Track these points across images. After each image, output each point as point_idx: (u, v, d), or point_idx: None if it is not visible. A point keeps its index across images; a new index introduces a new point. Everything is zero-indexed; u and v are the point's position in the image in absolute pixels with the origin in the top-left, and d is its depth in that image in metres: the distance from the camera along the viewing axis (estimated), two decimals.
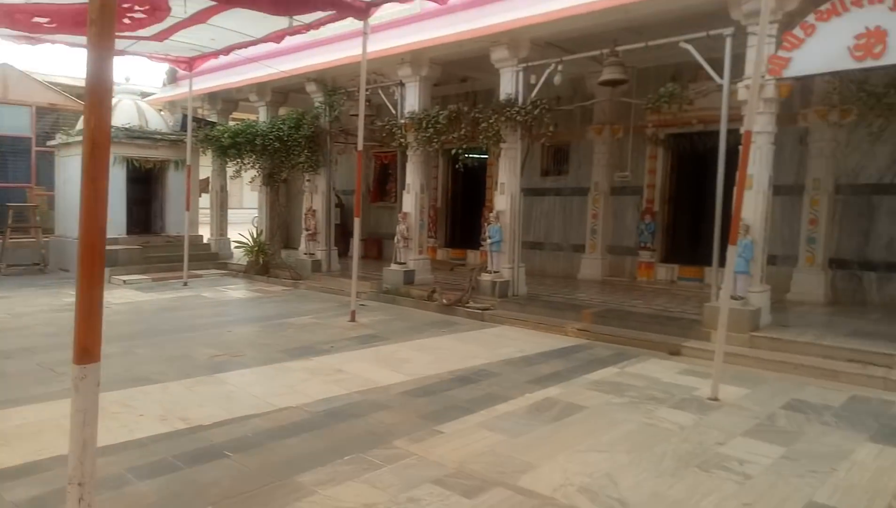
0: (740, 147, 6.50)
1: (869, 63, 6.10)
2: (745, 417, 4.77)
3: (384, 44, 9.98)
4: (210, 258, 13.99)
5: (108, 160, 1.61)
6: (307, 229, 12.15)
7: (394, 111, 10.72)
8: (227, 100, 14.88)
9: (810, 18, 6.41)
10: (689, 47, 7.31)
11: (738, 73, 7.04)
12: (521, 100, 8.89)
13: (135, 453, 3.91)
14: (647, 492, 3.51)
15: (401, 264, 10.38)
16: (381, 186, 15.30)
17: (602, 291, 9.73)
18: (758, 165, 6.93)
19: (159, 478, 3.57)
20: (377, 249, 14.66)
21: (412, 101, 10.34)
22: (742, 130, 6.76)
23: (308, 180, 12.51)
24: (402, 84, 10.54)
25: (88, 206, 1.56)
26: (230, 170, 13.86)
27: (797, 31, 6.49)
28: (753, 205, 6.92)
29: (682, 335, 6.99)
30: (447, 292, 9.38)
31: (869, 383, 5.58)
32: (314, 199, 12.28)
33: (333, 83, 11.81)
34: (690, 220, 10.53)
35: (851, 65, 6.22)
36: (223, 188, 15.14)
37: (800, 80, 6.88)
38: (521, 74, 8.92)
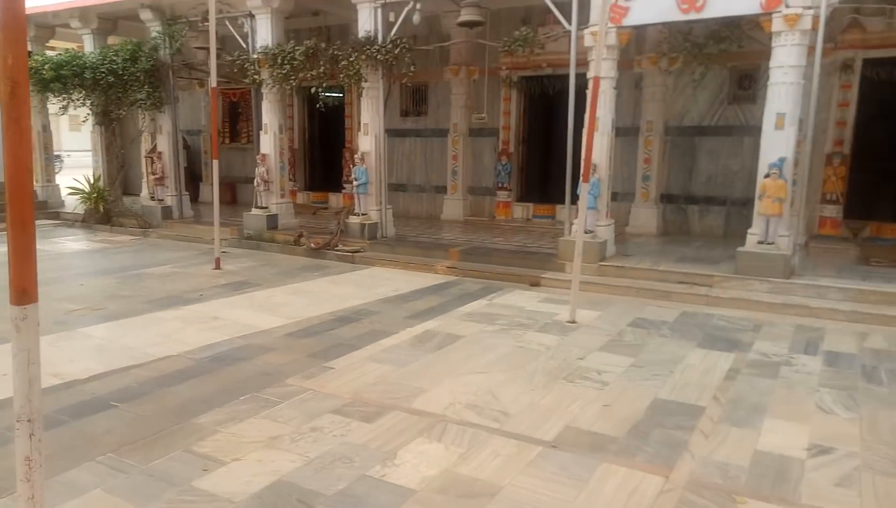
0: (587, 91, 7.13)
1: (693, 16, 6.85)
2: (599, 335, 5.43)
3: None
4: (38, 208, 12.60)
5: (29, 99, 1.50)
6: (153, 174, 11.34)
7: (244, 45, 10.19)
8: (41, 26, 13.09)
9: None
10: None
11: (583, 20, 7.53)
12: (380, 38, 8.85)
13: (7, 412, 3.67)
14: (525, 403, 3.97)
15: (262, 208, 10.11)
16: (231, 126, 14.53)
17: (465, 230, 10.21)
18: (602, 108, 7.54)
19: (45, 433, 3.41)
20: (231, 193, 14.03)
21: (264, 34, 9.87)
22: (589, 76, 7.43)
23: (151, 120, 11.60)
24: (251, 16, 10.00)
25: (13, 148, 1.48)
26: (53, 107, 12.43)
27: None
28: (599, 146, 7.57)
29: (541, 268, 7.63)
30: (315, 236, 9.35)
31: (695, 300, 6.55)
32: (159, 140, 11.43)
33: (172, 11, 10.90)
34: (542, 161, 11.25)
35: (679, 17, 6.95)
36: (45, 128, 13.54)
37: (636, 28, 7.54)
38: (379, 12, 8.85)
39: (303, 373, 4.43)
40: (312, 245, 9.10)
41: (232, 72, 10.35)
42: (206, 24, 9.84)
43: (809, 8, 6.29)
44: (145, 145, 11.86)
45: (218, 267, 8.08)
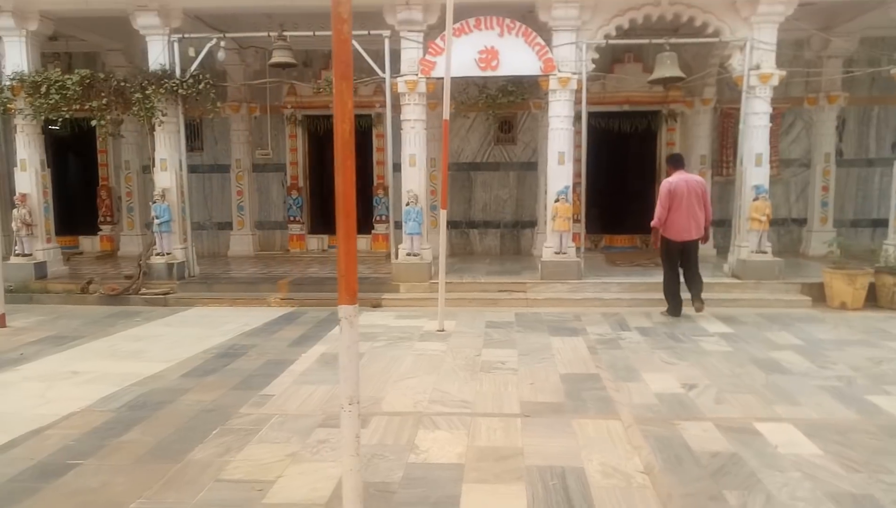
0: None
1: (489, 73, 8.28)
2: (473, 337, 6.28)
3: None
4: None
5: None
6: None
7: None
8: None
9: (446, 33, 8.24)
10: (354, 42, 8.39)
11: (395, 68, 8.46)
12: (178, 72, 8.53)
13: None
14: (472, 392, 4.60)
15: (26, 256, 8.69)
16: None
17: (269, 264, 10.15)
18: (418, 146, 8.52)
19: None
20: None
21: (17, 59, 8.64)
22: (402, 119, 8.39)
23: None
24: None
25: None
26: None
27: (438, 42, 8.25)
28: (417, 177, 8.50)
29: (377, 291, 8.19)
30: (107, 282, 8.41)
31: (517, 303, 7.83)
32: None
33: None
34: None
35: (477, 73, 8.32)
36: None
37: (441, 79, 8.70)
38: (176, 45, 8.54)
39: (248, 403, 4.38)
40: (108, 292, 8.19)
41: None
42: None
43: (575, 73, 8.15)
44: None
45: (4, 325, 6.85)
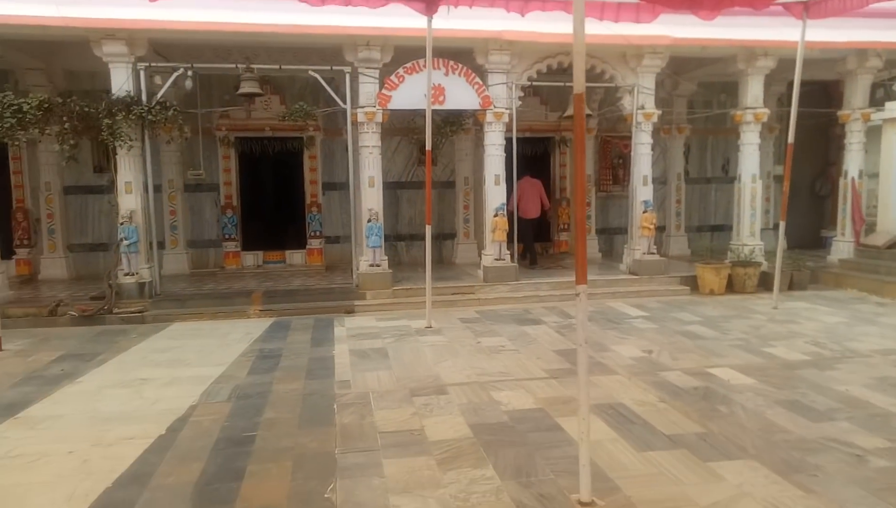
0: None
1: (437, 106, 9.66)
2: (459, 330, 7.60)
3: None
4: None
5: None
6: None
7: None
8: None
9: (401, 71, 9.50)
10: (317, 76, 9.35)
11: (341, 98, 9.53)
12: (144, 98, 8.91)
13: None
14: (500, 366, 5.94)
15: None
16: None
17: (217, 280, 10.58)
18: (371, 168, 9.63)
19: None
20: None
21: None
22: (360, 145, 9.51)
23: None
24: None
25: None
26: None
27: (393, 79, 9.48)
28: (376, 197, 9.62)
29: (348, 299, 9.17)
30: (78, 303, 8.54)
31: (471, 303, 9.26)
32: None
33: None
34: (266, 212, 12.34)
35: (425, 105, 9.65)
36: None
37: (404, 112, 9.90)
38: (142, 73, 8.91)
39: (335, 387, 5.37)
40: (80, 313, 8.35)
41: None
42: None
43: (507, 108, 9.81)
44: None
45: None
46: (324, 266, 11.91)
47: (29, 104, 8.47)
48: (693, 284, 10.18)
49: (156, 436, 4.31)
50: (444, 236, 12.70)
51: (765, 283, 10.01)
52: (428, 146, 8.00)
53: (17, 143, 8.65)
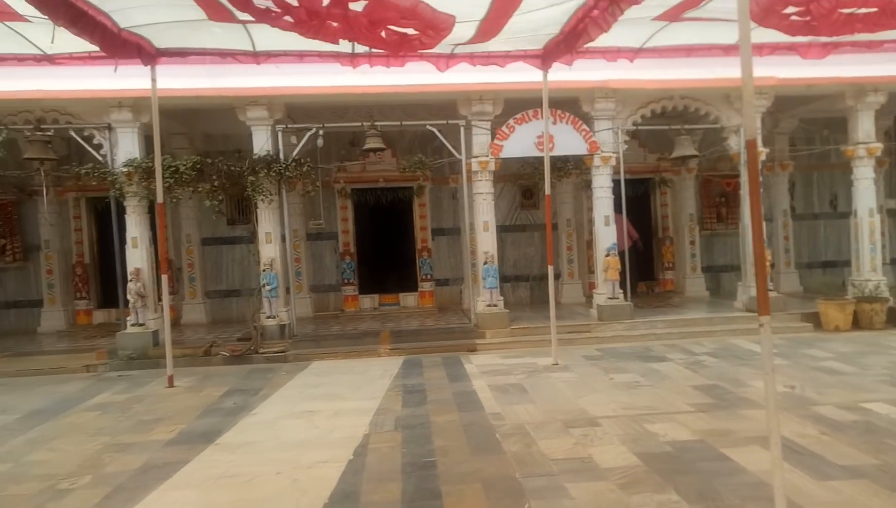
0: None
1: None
2: (587, 367, 7.82)
3: (77, 83, 9.06)
4: None
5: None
6: None
7: (100, 157, 9.70)
8: None
9: (511, 122, 10.04)
10: (435, 130, 10.04)
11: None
12: (283, 157, 9.82)
13: None
14: (643, 401, 6.12)
15: (140, 325, 9.47)
16: None
17: (342, 322, 11.25)
18: (485, 213, 10.13)
19: None
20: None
21: (129, 147, 9.68)
22: (475, 192, 10.03)
23: None
24: (110, 128, 9.68)
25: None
26: None
27: (504, 129, 10.03)
28: (490, 240, 10.08)
29: (469, 338, 9.58)
30: (229, 343, 9.36)
31: (588, 341, 9.49)
32: None
33: None
34: (379, 258, 13.06)
35: (537, 153, 10.12)
36: None
37: (507, 160, 10.43)
38: (280, 134, 9.85)
39: (490, 419, 5.72)
40: (231, 353, 9.13)
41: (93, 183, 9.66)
42: (38, 133, 9.20)
43: (614, 152, 10.14)
44: None
45: (172, 384, 7.74)
46: (435, 307, 12.42)
47: (184, 165, 9.55)
48: (815, 320, 10.00)
49: (346, 460, 4.77)
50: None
51: (893, 319, 9.71)
52: (547, 191, 8.44)
53: (173, 200, 9.68)
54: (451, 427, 5.53)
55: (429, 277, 12.68)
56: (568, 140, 10.09)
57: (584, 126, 10.14)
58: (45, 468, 4.98)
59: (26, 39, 6.47)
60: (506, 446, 4.96)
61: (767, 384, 3.49)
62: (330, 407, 6.37)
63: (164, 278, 8.15)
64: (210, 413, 6.41)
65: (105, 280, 12.70)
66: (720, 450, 4.65)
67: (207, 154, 10.93)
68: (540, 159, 11.32)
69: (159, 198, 7.91)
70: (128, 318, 9.56)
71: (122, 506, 4.14)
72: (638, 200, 13.39)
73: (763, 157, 10.43)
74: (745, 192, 10.50)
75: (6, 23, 6.01)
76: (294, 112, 10.72)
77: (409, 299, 12.66)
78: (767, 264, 10.25)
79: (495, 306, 9.96)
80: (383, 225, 12.95)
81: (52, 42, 5.75)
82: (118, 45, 6.26)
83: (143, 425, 6.12)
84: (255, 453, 5.09)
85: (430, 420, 5.77)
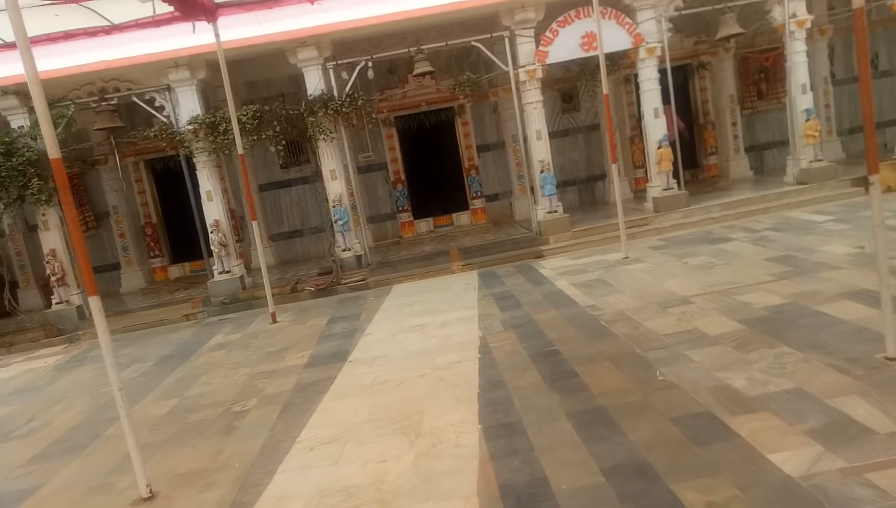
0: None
1: (591, 53, 10.18)
2: (658, 257, 8.26)
3: (134, 48, 9.30)
4: None
5: None
6: (54, 274, 9.97)
7: (163, 118, 10.08)
8: None
9: (554, 26, 10.09)
10: (479, 45, 10.15)
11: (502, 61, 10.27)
12: (336, 94, 10.07)
13: None
14: (728, 278, 6.58)
15: (227, 272, 10.12)
16: None
17: (406, 247, 11.80)
18: (537, 122, 10.36)
19: None
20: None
21: (190, 105, 10.03)
22: (524, 102, 10.21)
23: (12, 217, 10.18)
24: (169, 88, 9.99)
25: None
26: None
27: (548, 34, 10.09)
28: (545, 148, 10.37)
29: (534, 246, 10.05)
30: (311, 278, 9.99)
31: (649, 233, 9.87)
32: (45, 237, 10.07)
33: (50, 95, 9.87)
34: (428, 182, 13.42)
35: (582, 54, 10.22)
36: None
37: (552, 65, 10.52)
38: (331, 72, 10.07)
39: (624, 328, 6.26)
40: (314, 288, 9.76)
41: (161, 143, 10.10)
42: (103, 103, 9.53)
43: (658, 42, 10.18)
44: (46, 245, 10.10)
45: (275, 321, 8.40)
46: (489, 222, 12.87)
47: (245, 115, 9.86)
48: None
49: (475, 359, 5.37)
50: (595, 178, 13.29)
51: None
52: (605, 90, 8.66)
53: (280, 148, 10.10)
54: (556, 322, 6.09)
55: (479, 194, 13.06)
56: (613, 36, 10.09)
57: (627, 19, 10.14)
58: (210, 398, 5.67)
59: (96, 13, 6.76)
60: (615, 329, 5.50)
61: (879, 238, 3.90)
62: (435, 320, 6.96)
63: (254, 223, 8.56)
64: (327, 339, 7.05)
65: (174, 237, 13.36)
66: (814, 308, 5.12)
67: (252, 102, 11.22)
68: (579, 62, 11.47)
69: (239, 149, 8.30)
70: (213, 267, 10.19)
71: (301, 416, 4.80)
72: (677, 88, 13.34)
73: (808, 24, 10.35)
74: (791, 63, 10.51)
75: (82, 3, 6.31)
76: (337, 49, 10.86)
77: (462, 218, 13.11)
78: (818, 133, 10.43)
79: (555, 211, 10.36)
80: (429, 149, 13.21)
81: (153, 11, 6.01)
82: (188, 3, 6.52)
83: (272, 355, 6.79)
84: (389, 363, 5.71)
85: (534, 318, 6.33)
